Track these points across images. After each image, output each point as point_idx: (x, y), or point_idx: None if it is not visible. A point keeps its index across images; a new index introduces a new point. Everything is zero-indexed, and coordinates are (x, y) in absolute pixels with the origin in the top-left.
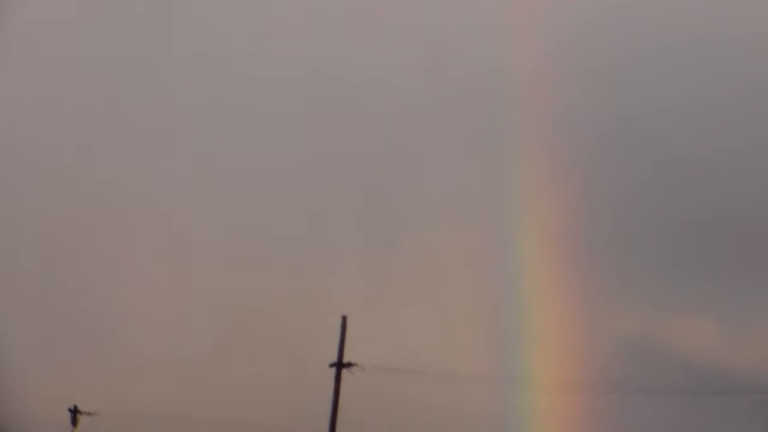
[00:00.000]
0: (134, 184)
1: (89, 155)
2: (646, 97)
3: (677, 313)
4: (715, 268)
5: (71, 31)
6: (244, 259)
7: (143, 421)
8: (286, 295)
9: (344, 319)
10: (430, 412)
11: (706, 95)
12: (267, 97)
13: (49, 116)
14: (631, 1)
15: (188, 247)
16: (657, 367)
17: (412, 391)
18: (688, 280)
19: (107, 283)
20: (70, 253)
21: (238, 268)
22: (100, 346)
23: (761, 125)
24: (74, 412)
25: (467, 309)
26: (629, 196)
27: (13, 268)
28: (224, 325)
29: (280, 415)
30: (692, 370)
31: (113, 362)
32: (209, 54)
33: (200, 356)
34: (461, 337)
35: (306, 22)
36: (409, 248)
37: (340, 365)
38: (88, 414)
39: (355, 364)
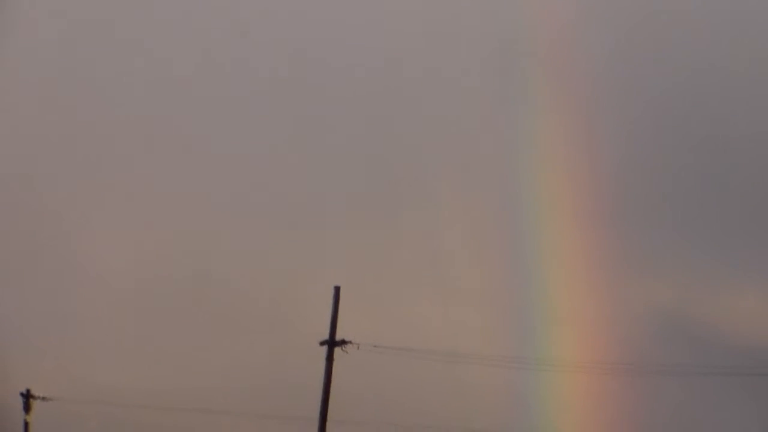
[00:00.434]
0: (99, 147)
1: (49, 127)
2: (682, 53)
3: (719, 285)
4: (763, 235)
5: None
6: (225, 229)
7: (107, 408)
8: (273, 268)
9: (337, 290)
10: (434, 395)
11: (748, 52)
12: (255, 63)
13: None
14: None
15: (161, 216)
16: (695, 346)
17: (414, 372)
18: (732, 249)
19: (65, 255)
20: (22, 227)
21: (217, 238)
22: (57, 324)
23: None
24: (27, 396)
25: (477, 282)
26: (663, 152)
27: None
28: (202, 302)
29: (265, 399)
30: (734, 350)
31: (72, 342)
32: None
33: (174, 336)
34: (470, 313)
35: None
36: (411, 215)
37: (332, 343)
38: (43, 399)
39: (349, 342)
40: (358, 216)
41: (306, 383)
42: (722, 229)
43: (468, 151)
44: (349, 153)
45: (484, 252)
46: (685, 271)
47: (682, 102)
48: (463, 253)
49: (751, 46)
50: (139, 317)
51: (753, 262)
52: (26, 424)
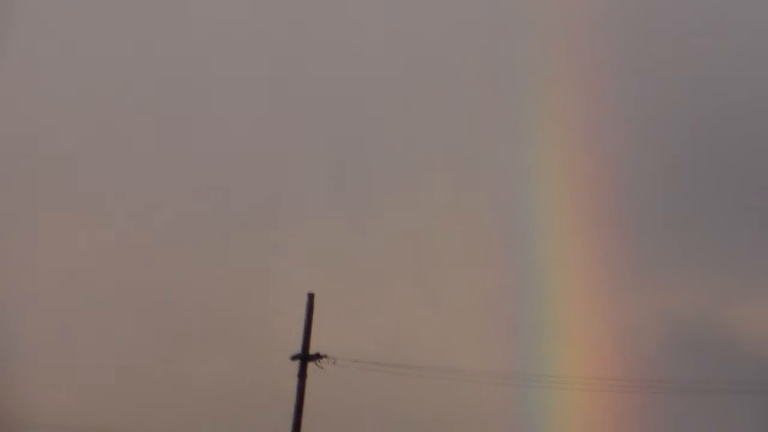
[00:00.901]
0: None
1: None
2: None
3: (741, 294)
4: None
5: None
6: (183, 233)
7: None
8: (239, 276)
9: (311, 298)
10: (423, 417)
11: None
12: (220, 49)
13: None
14: None
15: (111, 219)
16: (717, 360)
17: (399, 391)
18: (757, 255)
19: (10, 267)
20: None
21: (174, 243)
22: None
23: None
24: None
25: (471, 289)
26: (682, 149)
27: None
28: (162, 316)
29: (232, 420)
30: (759, 364)
31: (16, 357)
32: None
33: (126, 350)
34: (464, 324)
35: None
36: (393, 213)
37: (305, 357)
38: None
39: (324, 356)
40: (334, 215)
41: (276, 403)
42: (746, 234)
43: (460, 142)
44: (319, 145)
45: (479, 255)
46: (704, 278)
47: (706, 95)
48: (456, 256)
49: None
50: (87, 330)
51: None
52: None
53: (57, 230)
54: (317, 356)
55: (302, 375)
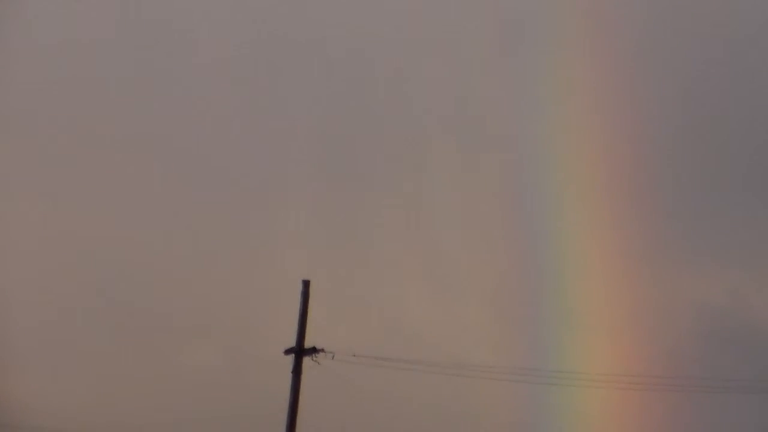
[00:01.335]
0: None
1: None
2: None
3: None
4: None
5: None
6: (172, 222)
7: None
8: (229, 264)
9: (306, 285)
10: (429, 416)
11: None
12: (211, 30)
13: None
14: None
15: (101, 212)
16: (751, 356)
17: (403, 388)
18: None
19: None
20: None
21: (163, 234)
22: None
23: None
24: None
25: (482, 278)
26: (715, 124)
27: None
28: (149, 307)
29: (221, 419)
30: None
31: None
32: None
33: (117, 348)
34: (474, 316)
35: None
36: (395, 197)
37: (300, 351)
38: None
39: (321, 350)
40: (332, 198)
41: (268, 401)
42: None
43: (466, 121)
44: (315, 126)
45: (487, 242)
46: (739, 267)
47: (745, 72)
48: (462, 243)
49: None
50: (66, 323)
51: None
52: None
53: (40, 222)
54: (313, 350)
55: (297, 371)
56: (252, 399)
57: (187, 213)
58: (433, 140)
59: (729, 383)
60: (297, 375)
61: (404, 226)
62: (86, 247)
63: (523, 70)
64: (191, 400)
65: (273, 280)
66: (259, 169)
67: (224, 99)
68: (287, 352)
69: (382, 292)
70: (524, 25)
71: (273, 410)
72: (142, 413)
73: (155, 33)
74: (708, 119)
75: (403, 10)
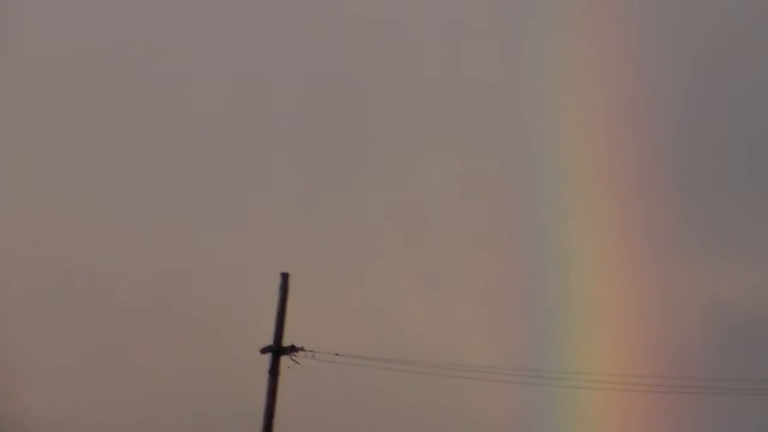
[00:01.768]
0: None
1: None
2: None
3: None
4: None
5: None
6: (141, 210)
7: None
8: (201, 256)
9: (285, 278)
10: (415, 418)
11: None
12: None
13: None
14: None
15: (68, 204)
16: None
17: (392, 391)
18: None
19: None
20: None
21: (133, 223)
22: None
23: None
24: None
25: (474, 273)
26: (732, 105)
27: None
28: (117, 303)
29: (193, 423)
30: None
31: None
32: None
33: (86, 347)
34: (465, 312)
35: None
36: (384, 184)
37: (278, 350)
38: None
39: (301, 349)
40: (317, 186)
41: (243, 403)
42: None
43: (467, 105)
44: (297, 108)
45: (485, 234)
46: (754, 261)
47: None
48: (458, 235)
49: None
50: (33, 321)
51: None
52: None
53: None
54: (292, 349)
55: (274, 371)
56: (226, 401)
57: (157, 204)
58: (427, 129)
59: (741, 384)
60: (274, 376)
61: (393, 218)
62: (49, 242)
63: (524, 59)
64: (160, 403)
65: (250, 274)
66: (237, 157)
67: (203, 88)
68: (264, 350)
69: (369, 287)
70: (525, 12)
71: (248, 414)
72: (109, 417)
73: (126, 18)
74: (722, 107)
75: None
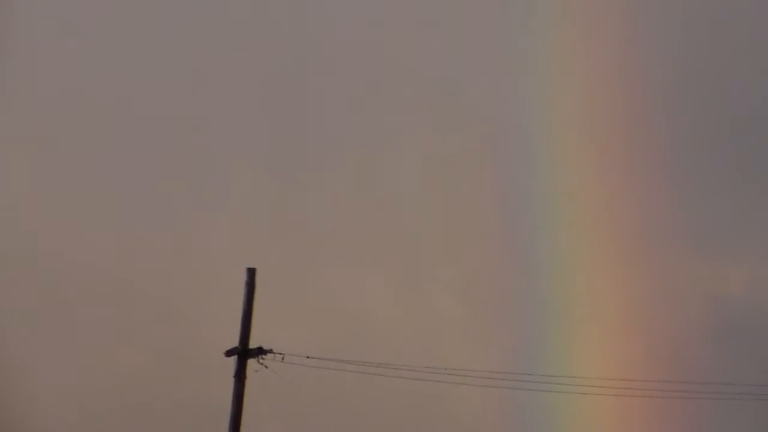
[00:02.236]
0: None
1: None
2: None
3: None
4: None
5: None
6: (84, 201)
7: None
8: (160, 250)
9: (252, 274)
10: (392, 425)
11: None
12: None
13: None
14: None
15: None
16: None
17: (364, 394)
18: None
19: None
20: None
21: (74, 215)
22: None
23: None
24: None
25: (455, 268)
26: (741, 87)
27: None
28: (67, 299)
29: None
30: None
31: None
32: None
33: (30, 348)
34: (445, 310)
35: None
36: (358, 173)
37: (244, 352)
38: None
39: (269, 351)
40: (284, 175)
41: (207, 410)
42: None
43: (443, 82)
44: (261, 92)
45: (466, 226)
46: (760, 254)
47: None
48: (437, 228)
49: None
50: None
51: None
52: None
53: None
54: (260, 351)
55: (240, 375)
56: (189, 408)
57: (116, 201)
58: (400, 109)
59: (742, 389)
60: (240, 380)
61: (368, 208)
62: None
63: (507, 32)
64: (117, 408)
65: (215, 271)
66: (200, 148)
67: (163, 73)
68: (229, 353)
69: (343, 284)
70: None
71: (213, 421)
72: (62, 423)
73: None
74: (717, 99)
75: None
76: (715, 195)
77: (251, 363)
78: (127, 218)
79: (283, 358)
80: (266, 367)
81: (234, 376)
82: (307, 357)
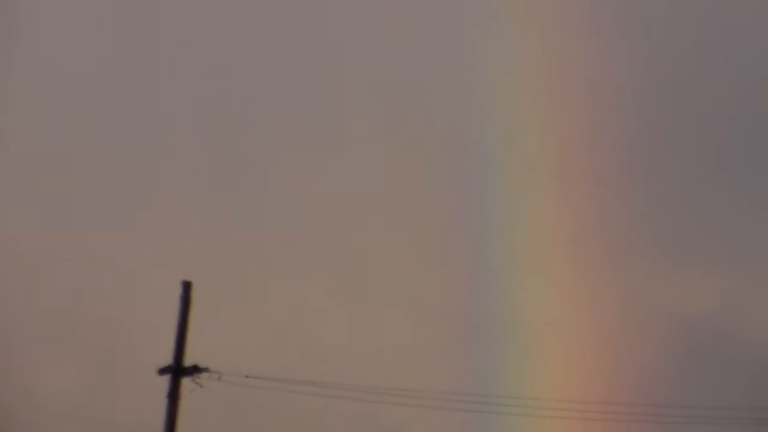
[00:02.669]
0: None
1: None
2: None
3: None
4: None
5: None
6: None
7: None
8: (89, 263)
9: (187, 288)
10: None
11: None
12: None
13: None
14: None
15: None
16: (746, 377)
17: (309, 416)
18: None
19: None
20: None
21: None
22: None
23: None
24: None
25: (407, 283)
26: (714, 94)
27: None
28: None
29: None
30: None
31: None
32: None
33: None
34: (397, 328)
35: None
36: (303, 182)
37: (178, 370)
38: None
39: (205, 370)
40: (224, 183)
41: (139, 430)
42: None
43: (398, 79)
44: (201, 101)
45: (422, 239)
46: (729, 271)
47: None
48: (390, 240)
49: None
50: None
51: None
52: None
53: None
54: (195, 369)
55: (173, 395)
56: (119, 428)
57: (46, 209)
58: (348, 116)
59: (715, 412)
60: (174, 400)
61: (314, 222)
62: None
63: (470, 21)
64: (44, 428)
65: (148, 284)
66: (132, 155)
67: (105, 87)
68: (162, 371)
69: (285, 300)
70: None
71: None
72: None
73: None
74: (695, 103)
75: None
76: (685, 207)
77: (186, 382)
78: (55, 225)
79: (220, 378)
80: (202, 386)
81: (167, 396)
82: (246, 376)
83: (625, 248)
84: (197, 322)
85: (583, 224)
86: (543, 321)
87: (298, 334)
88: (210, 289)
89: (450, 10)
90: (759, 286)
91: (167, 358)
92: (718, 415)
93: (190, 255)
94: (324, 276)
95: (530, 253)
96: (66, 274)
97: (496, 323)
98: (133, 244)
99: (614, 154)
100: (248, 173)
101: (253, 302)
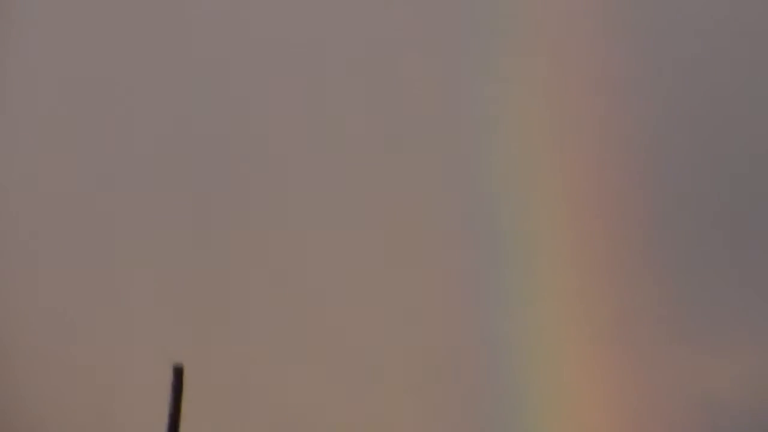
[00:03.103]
0: None
1: None
2: None
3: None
4: None
5: None
6: None
7: None
8: (73, 343)
9: (179, 374)
10: None
11: None
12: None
13: None
14: None
15: None
16: None
17: None
18: None
19: None
20: None
21: None
22: None
23: None
24: None
25: (394, 355)
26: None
27: None
28: None
29: None
30: None
31: None
32: None
33: None
34: (386, 403)
35: None
36: (272, 248)
37: None
38: None
39: None
40: (190, 257)
41: None
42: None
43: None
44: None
45: (416, 302)
46: (757, 347)
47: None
48: (380, 305)
49: None
50: None
51: None
52: None
53: None
54: None
55: None
56: None
57: (20, 284)
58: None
59: None
60: None
61: (290, 286)
62: None
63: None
64: None
65: (134, 367)
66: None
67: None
68: None
69: (281, 381)
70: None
71: None
72: None
73: None
74: (707, 154)
75: None
76: (702, 281)
77: None
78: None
79: None
80: None
81: None
82: None
83: (643, 322)
84: (186, 409)
85: (598, 297)
86: (553, 400)
87: (293, 417)
88: (198, 373)
89: (453, 13)
90: None
91: None
92: None
93: (174, 336)
94: (317, 355)
95: (540, 324)
96: (53, 364)
97: (502, 399)
98: (118, 327)
99: (629, 220)
100: (231, 251)
101: (245, 385)
